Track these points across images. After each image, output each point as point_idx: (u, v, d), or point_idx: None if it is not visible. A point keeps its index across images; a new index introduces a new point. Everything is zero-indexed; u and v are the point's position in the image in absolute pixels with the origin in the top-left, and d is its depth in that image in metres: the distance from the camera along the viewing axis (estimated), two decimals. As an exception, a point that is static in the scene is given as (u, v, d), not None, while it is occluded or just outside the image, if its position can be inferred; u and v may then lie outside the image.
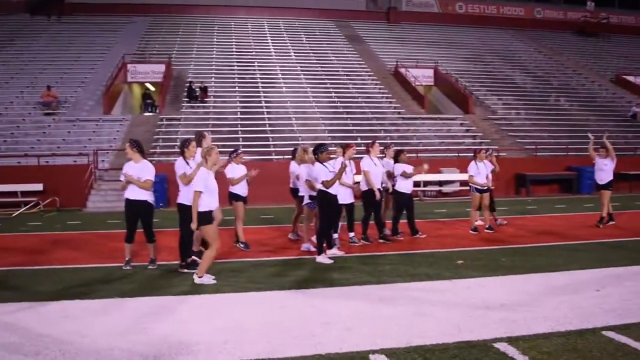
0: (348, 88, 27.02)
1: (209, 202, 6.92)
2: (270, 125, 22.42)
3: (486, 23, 40.73)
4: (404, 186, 10.42)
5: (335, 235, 9.45)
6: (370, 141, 10.54)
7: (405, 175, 10.37)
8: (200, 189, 6.82)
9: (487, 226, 11.19)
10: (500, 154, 21.25)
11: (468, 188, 11.77)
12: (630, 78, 33.71)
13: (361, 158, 10.18)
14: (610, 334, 4.89)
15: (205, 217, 6.89)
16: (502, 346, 4.66)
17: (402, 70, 29.42)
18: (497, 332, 4.97)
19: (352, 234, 9.79)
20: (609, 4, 46.36)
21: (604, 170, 11.95)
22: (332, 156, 9.15)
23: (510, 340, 4.78)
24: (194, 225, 6.89)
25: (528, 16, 42.79)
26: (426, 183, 19.48)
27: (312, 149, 9.00)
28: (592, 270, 7.50)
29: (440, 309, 5.71)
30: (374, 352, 4.59)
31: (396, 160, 10.58)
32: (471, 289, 6.56)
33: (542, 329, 5.05)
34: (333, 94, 25.99)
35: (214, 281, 7.00)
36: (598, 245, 9.48)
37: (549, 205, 16.66)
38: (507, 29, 40.89)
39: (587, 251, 8.95)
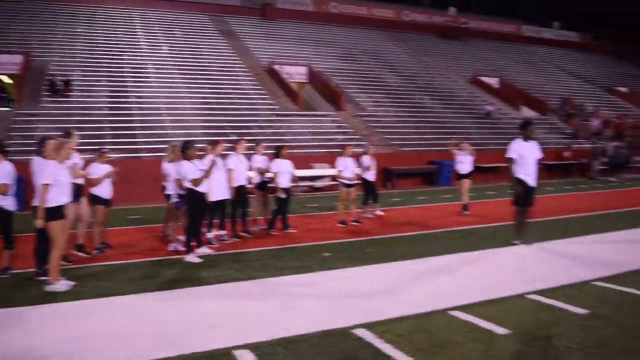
0: (222, 84, 26.72)
1: (58, 197, 6.57)
2: (140, 121, 21.58)
3: (358, 23, 42.18)
4: (283, 182, 10.57)
5: (210, 234, 9.37)
6: (236, 138, 10.57)
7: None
8: (48, 182, 6.46)
9: (352, 219, 11.66)
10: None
11: (337, 183, 12.17)
12: (485, 79, 36.73)
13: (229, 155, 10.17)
14: (457, 313, 5.36)
15: (54, 213, 6.54)
16: (360, 332, 4.93)
17: (277, 67, 29.65)
18: (357, 319, 5.24)
19: (223, 232, 9.76)
20: (469, 10, 50.13)
21: (464, 162, 13.14)
22: (200, 153, 9.05)
23: (368, 326, 5.06)
24: (40, 222, 6.51)
25: (397, 18, 44.95)
26: (299, 178, 19.79)
27: (180, 146, 8.83)
28: (448, 256, 8.13)
29: (306, 301, 5.89)
30: (238, 347, 4.65)
31: (277, 156, 10.70)
32: (337, 279, 6.84)
33: (397, 313, 5.40)
34: (206, 90, 25.56)
35: (68, 287, 6.61)
36: (454, 233, 10.27)
37: (412, 197, 17.73)
38: (377, 29, 42.66)
39: (444, 239, 9.67)
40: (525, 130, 8.96)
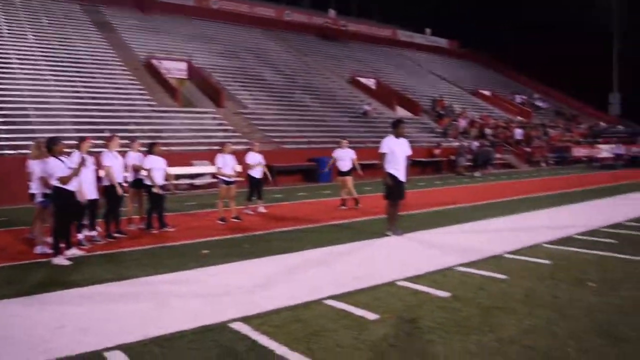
0: (96, 77, 25.31)
1: None
2: (2, 115, 19.85)
3: (239, 20, 41.89)
4: (158, 179, 10.25)
5: (81, 235, 8.89)
6: (109, 135, 10.13)
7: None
8: None
9: (233, 216, 11.62)
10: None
11: (217, 180, 12.05)
12: (363, 80, 38.11)
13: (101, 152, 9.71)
14: (331, 303, 5.54)
15: None
16: (237, 325, 4.94)
17: (155, 61, 28.66)
18: (233, 314, 5.24)
19: (94, 232, 9.29)
20: (348, 13, 51.64)
21: (344, 160, 13.53)
22: (68, 150, 8.55)
23: (245, 320, 5.08)
24: None
25: (278, 17, 45.22)
26: (178, 176, 19.33)
27: (46, 142, 8.27)
28: (324, 248, 8.36)
29: (182, 299, 5.79)
30: (109, 349, 4.46)
31: (150, 153, 10.36)
32: (214, 276, 6.78)
33: (274, 305, 5.48)
34: (78, 84, 24.09)
35: None
36: (331, 227, 10.58)
37: (293, 193, 17.99)
38: (259, 27, 42.64)
39: (321, 232, 9.92)
40: (396, 128, 9.44)
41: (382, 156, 9.31)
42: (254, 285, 6.28)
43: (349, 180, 13.61)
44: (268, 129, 25.21)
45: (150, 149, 10.40)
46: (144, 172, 10.35)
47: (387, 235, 9.34)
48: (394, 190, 9.27)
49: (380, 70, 43.10)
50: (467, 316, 5.08)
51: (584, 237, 9.00)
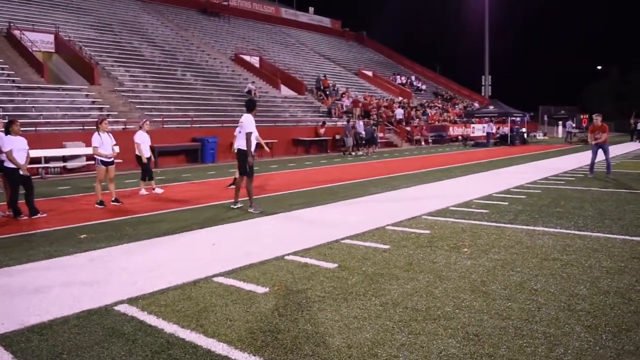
0: (-56, 50, 22.92)
1: None
2: None
3: (111, -9, 39.73)
4: (20, 161, 9.60)
5: None
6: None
7: None
8: None
9: (112, 199, 11.21)
10: (127, 127, 21.34)
11: (94, 162, 11.53)
12: (246, 57, 37.81)
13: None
14: (220, 279, 5.60)
15: None
16: (122, 307, 4.85)
17: (17, 32, 26.45)
18: (118, 296, 5.14)
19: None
20: (227, -13, 50.65)
21: (239, 137, 13.55)
22: None
23: (131, 301, 5.00)
24: None
25: (154, -11, 43.44)
26: (48, 159, 18.17)
27: None
28: (210, 228, 8.36)
29: (62, 286, 5.55)
30: (-19, 341, 4.22)
31: (7, 133, 9.64)
32: (95, 260, 6.56)
33: (161, 286, 5.44)
34: None
35: None
36: (218, 207, 10.56)
37: (177, 174, 17.62)
38: (135, 0, 40.70)
39: (207, 213, 9.89)
40: (253, 109, 9.94)
41: (247, 136, 9.82)
42: (138, 267, 6.17)
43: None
44: (148, 107, 24.35)
45: (7, 129, 9.69)
46: (2, 155, 9.63)
47: (257, 213, 9.72)
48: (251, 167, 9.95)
49: (263, 48, 43.01)
50: (353, 284, 5.38)
51: (460, 209, 9.77)
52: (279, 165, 20.95)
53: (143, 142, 12.97)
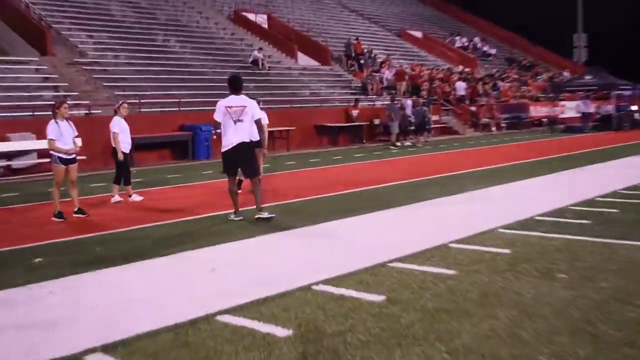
0: None
1: None
2: None
3: None
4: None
5: None
6: None
7: None
8: None
9: (75, 209, 11.34)
10: (92, 111, 21.58)
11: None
12: (250, 16, 38.01)
13: None
14: (225, 318, 5.61)
15: None
16: (95, 357, 4.89)
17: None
18: (89, 342, 5.16)
19: None
20: None
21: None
22: None
23: (106, 349, 5.03)
24: None
25: None
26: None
27: None
28: (205, 249, 8.42)
29: (14, 327, 5.60)
30: None
31: None
32: (56, 293, 6.63)
33: (147, 326, 5.46)
34: None
35: None
36: (214, 219, 10.64)
37: (159, 175, 17.78)
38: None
39: (201, 227, 9.98)
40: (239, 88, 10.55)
41: (260, 124, 10.52)
42: (114, 302, 6.21)
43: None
44: (119, 85, 24.61)
45: None
46: None
47: (271, 218, 10.15)
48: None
49: (273, 2, 43.18)
50: (408, 324, 5.35)
51: (550, 218, 9.69)
52: (297, 162, 21.01)
53: (122, 132, 13.11)
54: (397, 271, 6.96)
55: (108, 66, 26.19)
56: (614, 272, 6.72)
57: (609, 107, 36.53)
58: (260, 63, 31.24)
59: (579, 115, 37.27)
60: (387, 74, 36.49)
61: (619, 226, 9.04)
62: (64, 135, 11.13)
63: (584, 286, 6.24)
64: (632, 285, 6.23)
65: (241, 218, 10.48)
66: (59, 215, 11.02)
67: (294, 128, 25.90)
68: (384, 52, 41.50)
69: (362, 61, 37.31)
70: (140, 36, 30.14)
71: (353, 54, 37.74)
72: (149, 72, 26.87)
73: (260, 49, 33.06)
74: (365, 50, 38.77)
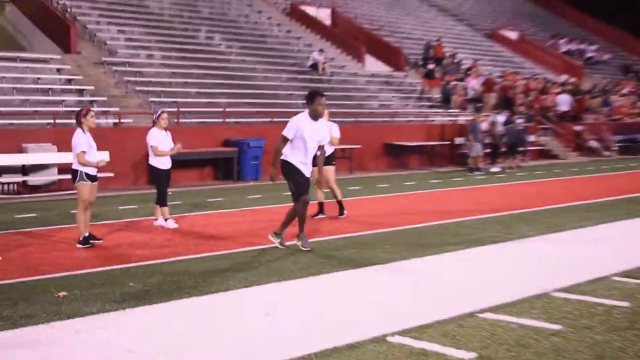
0: None
1: None
2: None
3: None
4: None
5: None
6: None
7: None
8: None
9: (86, 234, 11.55)
10: (122, 120, 21.96)
11: (72, 177, 11.89)
12: (310, 9, 38.21)
13: None
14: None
15: None
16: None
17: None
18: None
19: None
20: None
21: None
22: None
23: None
24: None
25: None
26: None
27: None
28: (262, 287, 8.54)
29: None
30: None
31: None
32: (82, 333, 6.81)
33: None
34: None
35: None
36: (266, 253, 10.78)
37: (198, 199, 18.00)
38: None
39: (252, 259, 10.10)
40: (312, 102, 10.73)
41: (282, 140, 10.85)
42: (154, 347, 6.35)
43: (332, 172, 14.37)
44: (153, 90, 24.93)
45: None
46: None
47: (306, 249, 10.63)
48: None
49: (338, -6, 43.44)
50: (505, 387, 5.36)
51: (679, 266, 9.56)
52: (363, 187, 21.04)
53: (160, 146, 13.40)
54: (490, 323, 6.95)
55: (141, 67, 26.60)
56: None
57: None
58: (320, 67, 31.40)
59: None
60: (474, 83, 36.31)
61: None
62: (93, 148, 11.44)
63: None
64: None
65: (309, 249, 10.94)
66: (85, 240, 11.30)
67: (360, 146, 25.82)
68: (471, 56, 41.32)
69: (446, 68, 36.94)
70: (179, 32, 30.60)
71: (433, 58, 37.61)
72: (189, 75, 27.17)
73: (321, 50, 33.14)
74: (447, 54, 38.61)
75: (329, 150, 14.15)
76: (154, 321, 7.20)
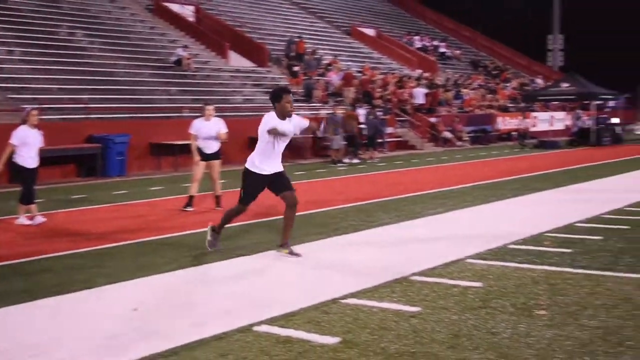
0: None
1: None
2: None
3: None
4: None
5: None
6: None
7: None
8: None
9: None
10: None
11: None
12: (174, 7, 37.80)
13: None
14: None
15: None
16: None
17: None
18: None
19: None
20: None
21: (210, 136, 14.46)
22: None
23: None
24: None
25: None
26: None
27: None
28: (128, 283, 8.37)
29: None
30: None
31: None
32: None
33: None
34: None
35: None
36: (148, 245, 10.74)
37: (62, 195, 17.55)
38: None
39: (127, 255, 9.99)
40: (278, 101, 10.08)
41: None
42: (20, 349, 6.12)
43: (217, 165, 14.61)
44: (13, 87, 24.22)
45: None
46: None
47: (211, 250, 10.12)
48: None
49: (200, -9, 43.13)
50: (367, 370, 5.40)
51: (526, 247, 9.91)
52: (232, 180, 20.91)
53: (26, 145, 12.95)
54: (352, 308, 7.01)
55: (0, 63, 25.77)
56: (600, 307, 6.89)
57: (588, 120, 37.31)
58: (184, 63, 31.14)
59: (574, 128, 37.95)
60: (334, 78, 36.69)
61: (603, 255, 9.25)
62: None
63: (566, 324, 6.38)
64: (621, 322, 6.40)
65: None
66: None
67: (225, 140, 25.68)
68: (331, 52, 41.79)
69: (307, 63, 37.20)
70: (39, 28, 29.76)
71: (295, 54, 37.85)
72: (50, 71, 26.52)
73: (185, 46, 32.97)
74: (309, 50, 38.91)
75: (216, 146, 14.68)
76: (17, 321, 6.93)
